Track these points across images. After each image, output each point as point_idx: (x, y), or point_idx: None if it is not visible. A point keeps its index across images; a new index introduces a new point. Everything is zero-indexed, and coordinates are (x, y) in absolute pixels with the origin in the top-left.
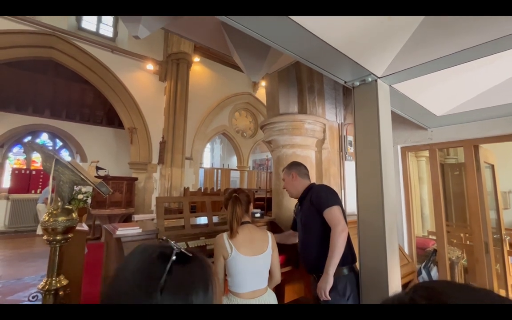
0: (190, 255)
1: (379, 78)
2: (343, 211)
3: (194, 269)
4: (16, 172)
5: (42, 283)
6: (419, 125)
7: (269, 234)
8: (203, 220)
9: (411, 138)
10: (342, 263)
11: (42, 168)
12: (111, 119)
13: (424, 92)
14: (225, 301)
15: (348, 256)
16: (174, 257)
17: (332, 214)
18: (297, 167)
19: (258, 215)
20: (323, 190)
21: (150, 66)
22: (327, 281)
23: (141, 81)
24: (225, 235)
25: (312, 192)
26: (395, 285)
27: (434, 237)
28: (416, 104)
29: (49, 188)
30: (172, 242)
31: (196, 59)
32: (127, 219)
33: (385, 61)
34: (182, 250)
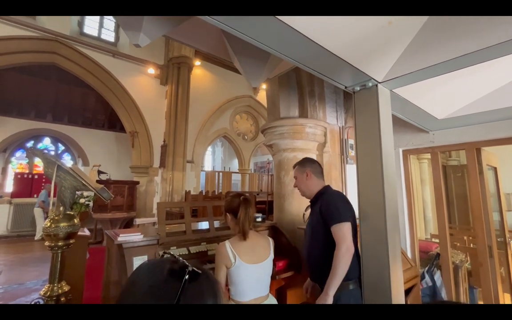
0: (200, 271)
1: (379, 83)
2: (355, 225)
3: (204, 284)
4: (19, 176)
5: (44, 289)
6: (421, 128)
7: (270, 240)
8: (204, 225)
9: (412, 141)
10: (348, 277)
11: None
12: (113, 123)
13: (425, 95)
14: None
15: (355, 269)
16: (187, 276)
17: (339, 231)
18: (311, 164)
19: (259, 219)
20: (335, 201)
21: (151, 70)
22: (326, 301)
23: (143, 85)
24: (227, 243)
25: (323, 199)
26: (398, 290)
27: (437, 240)
28: (417, 107)
29: (45, 192)
30: (180, 258)
31: (197, 62)
32: (128, 222)
33: (385, 66)
34: (194, 268)
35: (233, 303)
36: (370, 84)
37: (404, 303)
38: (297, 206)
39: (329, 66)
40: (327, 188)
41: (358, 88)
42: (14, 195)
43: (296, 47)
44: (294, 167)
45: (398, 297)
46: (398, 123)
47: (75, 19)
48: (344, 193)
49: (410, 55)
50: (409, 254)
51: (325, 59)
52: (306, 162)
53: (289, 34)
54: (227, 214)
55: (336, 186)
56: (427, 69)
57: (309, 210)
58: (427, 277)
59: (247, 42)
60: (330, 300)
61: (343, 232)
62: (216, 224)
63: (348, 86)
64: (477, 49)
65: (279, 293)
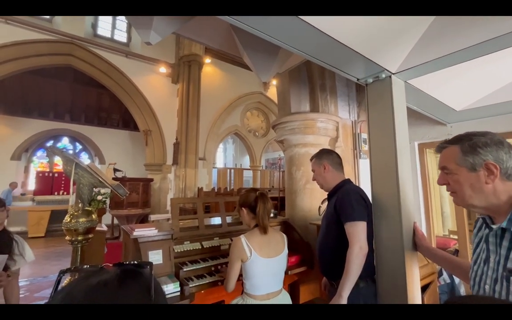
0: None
1: (393, 74)
2: (371, 224)
3: (129, 284)
4: (40, 175)
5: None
6: (438, 121)
7: (284, 235)
8: (217, 220)
9: (428, 135)
10: (360, 275)
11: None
12: (127, 122)
13: (442, 86)
14: (240, 302)
15: (367, 268)
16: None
17: (353, 230)
18: (328, 156)
19: (271, 215)
20: (350, 199)
21: (162, 69)
22: (339, 303)
23: (154, 84)
24: (243, 238)
25: (339, 194)
26: (414, 288)
27: (456, 237)
28: (434, 99)
29: (8, 189)
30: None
31: (207, 60)
32: (143, 219)
33: (399, 57)
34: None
35: (246, 295)
36: (384, 76)
37: (420, 300)
38: (308, 202)
39: (341, 58)
40: (345, 182)
41: (371, 80)
42: (36, 192)
43: (308, 40)
44: (311, 160)
45: (414, 294)
46: (413, 115)
47: (89, 21)
48: None
49: (425, 44)
50: None
51: (337, 51)
52: (323, 154)
53: (301, 28)
54: (243, 208)
55: None
56: (443, 58)
57: (325, 203)
58: (445, 274)
59: (256, 36)
60: (344, 302)
61: (357, 231)
62: (228, 219)
63: (360, 79)
64: (495, 36)
65: (292, 288)
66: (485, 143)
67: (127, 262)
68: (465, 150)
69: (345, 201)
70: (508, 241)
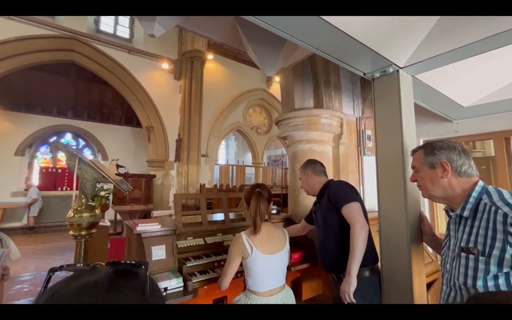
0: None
1: (401, 68)
2: (364, 208)
3: (123, 284)
4: (44, 170)
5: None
6: (444, 117)
7: (285, 230)
8: (219, 216)
9: (434, 131)
10: (362, 264)
11: (66, 167)
12: (129, 118)
13: (450, 82)
14: (243, 299)
15: (369, 256)
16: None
17: (350, 211)
18: (311, 165)
19: (274, 211)
20: (340, 186)
21: (165, 65)
22: (350, 283)
23: (157, 80)
24: (243, 235)
25: (329, 189)
26: (419, 285)
27: None
28: (441, 94)
29: None
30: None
31: (210, 56)
32: (146, 215)
33: (408, 50)
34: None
35: (249, 292)
36: (391, 70)
37: (425, 297)
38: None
39: (348, 51)
40: (331, 181)
41: (378, 75)
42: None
43: (314, 32)
44: (299, 170)
45: (420, 292)
46: (419, 112)
47: (91, 17)
48: (361, 186)
49: (434, 37)
50: (429, 249)
51: (344, 44)
52: (307, 164)
53: (309, 21)
54: (245, 203)
55: (352, 178)
56: (452, 52)
57: (316, 206)
58: None
59: (261, 31)
60: (354, 281)
61: (354, 211)
62: (231, 215)
63: (367, 73)
64: (504, 30)
65: (294, 284)
66: (440, 146)
67: (122, 262)
68: (427, 153)
69: (336, 189)
70: (463, 226)
